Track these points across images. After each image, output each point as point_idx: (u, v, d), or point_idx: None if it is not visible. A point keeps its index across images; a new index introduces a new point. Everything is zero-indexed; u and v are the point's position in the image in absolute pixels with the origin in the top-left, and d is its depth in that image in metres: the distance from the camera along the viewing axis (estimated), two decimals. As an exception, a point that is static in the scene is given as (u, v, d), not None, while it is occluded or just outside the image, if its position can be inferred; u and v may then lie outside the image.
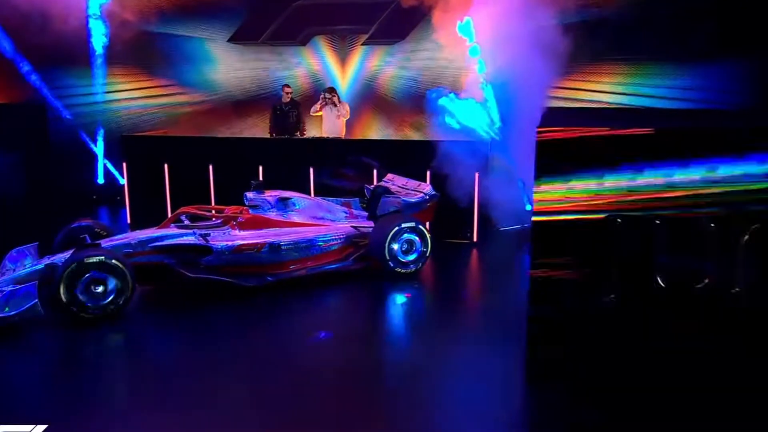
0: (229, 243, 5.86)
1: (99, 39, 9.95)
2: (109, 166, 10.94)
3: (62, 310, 5.04)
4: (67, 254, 5.53)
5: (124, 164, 9.06)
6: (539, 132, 3.60)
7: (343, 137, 9.35)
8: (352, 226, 6.62)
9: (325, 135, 9.30)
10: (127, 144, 9.12)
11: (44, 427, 2.82)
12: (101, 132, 10.53)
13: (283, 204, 6.54)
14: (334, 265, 6.37)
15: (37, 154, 9.95)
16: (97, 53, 10.03)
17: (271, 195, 6.55)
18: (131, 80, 10.52)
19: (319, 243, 6.31)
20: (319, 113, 9.52)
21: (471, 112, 7.66)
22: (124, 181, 10.75)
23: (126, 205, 9.17)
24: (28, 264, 5.56)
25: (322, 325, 5.31)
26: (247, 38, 10.87)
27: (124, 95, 10.48)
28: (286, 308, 5.70)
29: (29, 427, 2.81)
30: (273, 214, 6.42)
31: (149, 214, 8.88)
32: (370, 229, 6.60)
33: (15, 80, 9.72)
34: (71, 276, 5.00)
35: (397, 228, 6.27)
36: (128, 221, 9.16)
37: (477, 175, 7.74)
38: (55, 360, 4.76)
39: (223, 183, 8.58)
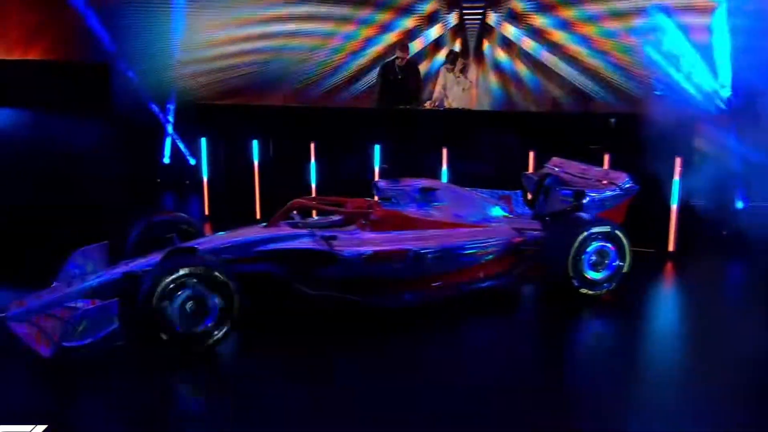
0: (362, 249, 5.08)
1: None
2: (178, 141, 10.51)
3: (149, 337, 4.40)
4: (150, 259, 4.92)
5: (203, 140, 8.51)
6: None
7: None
8: (513, 228, 5.74)
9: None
10: (207, 114, 8.56)
11: (44, 427, 2.91)
12: (173, 99, 10.02)
13: (424, 197, 5.72)
14: (492, 281, 5.52)
15: (96, 125, 9.61)
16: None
17: (410, 184, 5.75)
18: (215, 34, 9.92)
19: (473, 251, 5.45)
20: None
21: (689, 64, 6.53)
22: (194, 162, 10.38)
23: (204, 192, 8.64)
24: (94, 270, 4.99)
25: (479, 372, 4.41)
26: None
27: (207, 52, 9.90)
28: (427, 340, 4.90)
29: (29, 427, 2.94)
30: (412, 211, 5.62)
31: (232, 204, 8.36)
32: (538, 233, 5.70)
33: (75, 30, 9.29)
34: (163, 292, 4.34)
35: (585, 233, 5.33)
36: (206, 213, 8.64)
37: (679, 160, 6.66)
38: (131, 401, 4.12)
39: (329, 165, 7.89)
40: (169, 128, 10.35)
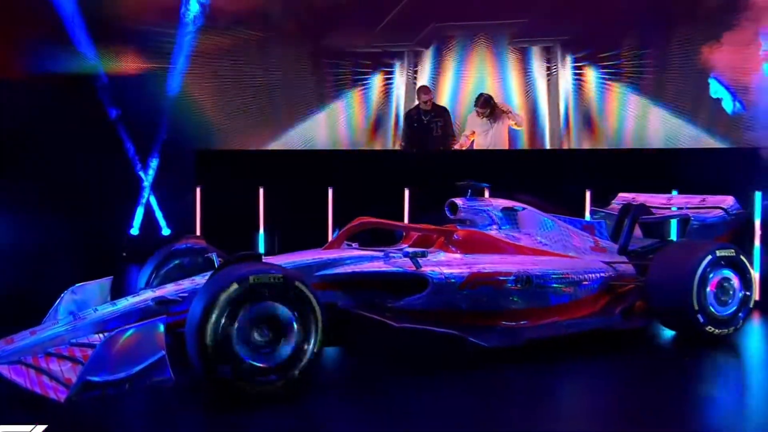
0: (457, 271, 4.04)
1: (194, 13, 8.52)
2: (154, 205, 9.27)
3: (205, 373, 3.18)
4: (182, 286, 3.77)
5: (198, 190, 7.41)
6: None
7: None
8: (604, 263, 4.84)
9: None
10: (204, 162, 7.52)
11: (44, 427, 2.79)
12: (157, 152, 8.83)
13: (508, 219, 4.79)
14: (595, 320, 4.53)
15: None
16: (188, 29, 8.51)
17: (491, 203, 4.83)
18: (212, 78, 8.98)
19: (576, 283, 4.52)
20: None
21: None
22: (169, 232, 9.18)
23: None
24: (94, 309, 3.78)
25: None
26: (347, 42, 9.47)
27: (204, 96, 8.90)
28: (524, 382, 3.85)
29: (29, 427, 2.84)
30: (495, 233, 4.67)
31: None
32: (630, 268, 4.87)
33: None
34: (228, 309, 3.16)
35: (710, 257, 4.44)
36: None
37: (761, 195, 5.95)
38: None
39: (348, 213, 6.88)
40: (145, 191, 9.13)
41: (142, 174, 8.98)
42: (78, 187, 8.39)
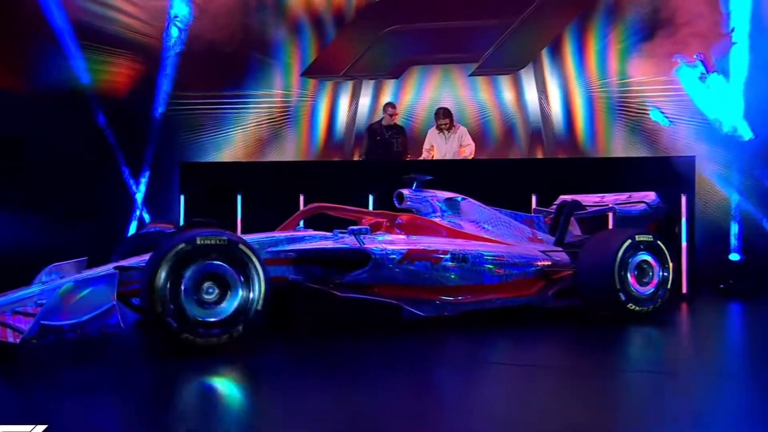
0: (398, 247, 4.13)
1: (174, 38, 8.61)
2: (146, 217, 9.29)
3: (155, 323, 3.23)
4: (144, 258, 3.82)
5: (182, 197, 7.49)
6: None
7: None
8: (541, 251, 4.93)
9: None
10: (188, 174, 7.61)
11: (44, 427, 2.63)
12: (147, 169, 8.89)
13: (450, 208, 4.89)
14: (529, 299, 4.61)
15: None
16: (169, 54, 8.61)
17: (435, 194, 4.94)
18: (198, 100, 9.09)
19: (509, 265, 4.61)
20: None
21: (716, 96, 6.15)
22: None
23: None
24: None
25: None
26: (325, 71, 9.65)
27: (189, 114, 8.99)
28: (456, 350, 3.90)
29: (29, 427, 2.68)
30: (438, 220, 4.78)
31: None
32: (565, 258, 4.94)
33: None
34: (177, 266, 3.23)
35: (629, 242, 4.55)
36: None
37: (684, 198, 6.08)
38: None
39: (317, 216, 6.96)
40: (139, 200, 9.15)
41: (134, 187, 9.00)
42: (72, 200, 8.28)
